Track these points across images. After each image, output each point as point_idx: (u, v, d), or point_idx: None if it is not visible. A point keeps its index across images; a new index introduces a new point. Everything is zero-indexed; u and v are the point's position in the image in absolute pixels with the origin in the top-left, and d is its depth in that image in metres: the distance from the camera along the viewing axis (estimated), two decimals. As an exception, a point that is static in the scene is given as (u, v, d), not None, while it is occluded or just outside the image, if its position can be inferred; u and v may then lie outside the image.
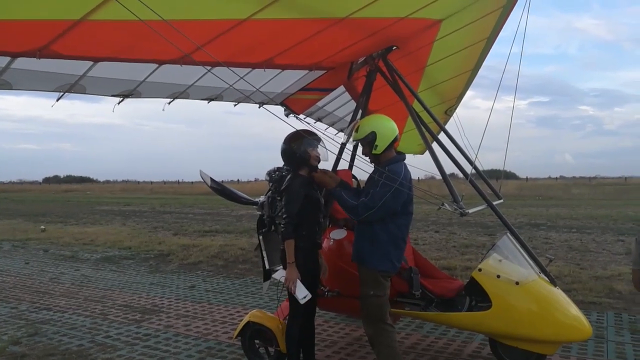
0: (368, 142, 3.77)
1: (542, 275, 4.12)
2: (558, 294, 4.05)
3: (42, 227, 16.12)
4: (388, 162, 3.77)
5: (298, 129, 3.84)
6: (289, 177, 3.92)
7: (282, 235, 3.77)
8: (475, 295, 4.13)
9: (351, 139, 4.02)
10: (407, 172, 3.80)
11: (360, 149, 4.04)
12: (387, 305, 3.76)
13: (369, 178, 3.90)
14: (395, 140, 3.82)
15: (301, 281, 3.69)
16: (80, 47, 2.85)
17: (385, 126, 3.79)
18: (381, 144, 3.75)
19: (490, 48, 5.59)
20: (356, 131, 3.84)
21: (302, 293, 3.65)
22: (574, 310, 3.99)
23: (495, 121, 4.62)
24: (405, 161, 3.90)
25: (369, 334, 3.76)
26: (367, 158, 3.92)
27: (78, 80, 3.17)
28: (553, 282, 4.14)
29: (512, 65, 4.56)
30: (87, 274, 8.95)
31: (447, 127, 5.80)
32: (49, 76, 3.02)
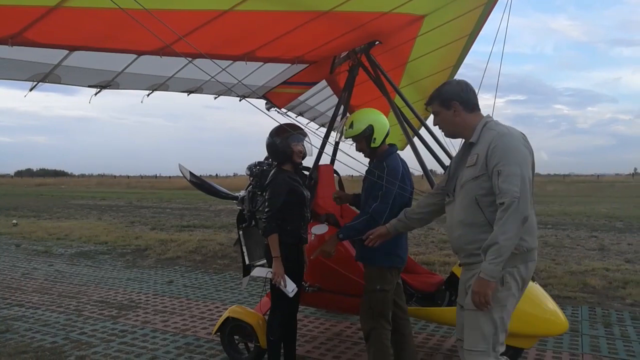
0: (365, 137, 3.70)
1: (521, 271, 4.16)
2: (536, 289, 4.10)
3: (14, 221, 15.69)
4: (383, 155, 3.72)
5: (282, 123, 3.79)
6: (273, 171, 3.87)
7: (264, 230, 3.73)
8: (456, 290, 4.15)
9: (343, 137, 3.89)
10: (403, 162, 3.78)
11: (342, 145, 3.99)
12: (391, 301, 3.67)
13: (366, 176, 3.79)
14: (388, 133, 3.79)
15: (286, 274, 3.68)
16: (56, 35, 2.76)
17: (379, 119, 3.75)
18: (379, 137, 3.70)
19: (472, 45, 5.64)
20: (350, 127, 3.75)
21: (290, 286, 3.65)
22: (551, 304, 4.04)
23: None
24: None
25: (366, 328, 3.65)
26: (357, 153, 3.86)
27: (53, 69, 3.07)
28: (531, 277, 4.19)
29: (490, 64, 4.63)
30: (61, 270, 8.75)
31: (427, 122, 5.83)
32: (22, 65, 2.92)
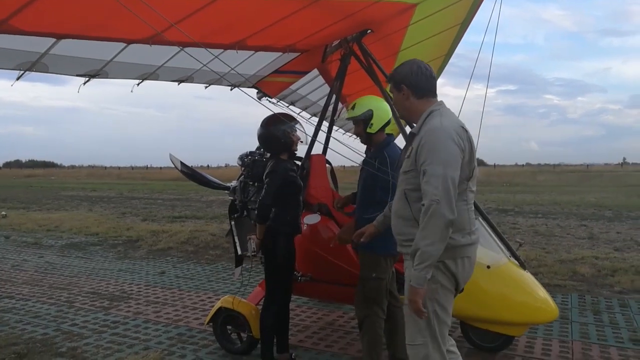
0: (364, 120, 3.73)
1: (512, 259, 4.20)
2: (527, 277, 4.14)
3: (3, 213, 15.55)
4: (381, 144, 3.75)
5: (274, 112, 3.78)
6: (272, 162, 3.87)
7: (257, 217, 3.76)
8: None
9: (345, 117, 3.95)
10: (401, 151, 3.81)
11: (334, 132, 4.00)
12: (386, 289, 3.67)
13: (365, 163, 3.79)
14: (388, 122, 3.80)
15: (282, 266, 3.80)
16: (42, 23, 2.70)
17: (381, 106, 3.78)
18: (376, 123, 3.73)
19: (464, 34, 5.61)
20: (352, 109, 3.78)
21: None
22: (542, 293, 4.08)
23: (464, 109, 4.66)
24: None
25: (361, 315, 3.67)
26: (354, 139, 3.91)
27: (40, 58, 3.01)
28: (523, 265, 4.22)
29: (482, 54, 4.62)
30: (52, 261, 8.69)
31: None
32: (8, 53, 2.85)
